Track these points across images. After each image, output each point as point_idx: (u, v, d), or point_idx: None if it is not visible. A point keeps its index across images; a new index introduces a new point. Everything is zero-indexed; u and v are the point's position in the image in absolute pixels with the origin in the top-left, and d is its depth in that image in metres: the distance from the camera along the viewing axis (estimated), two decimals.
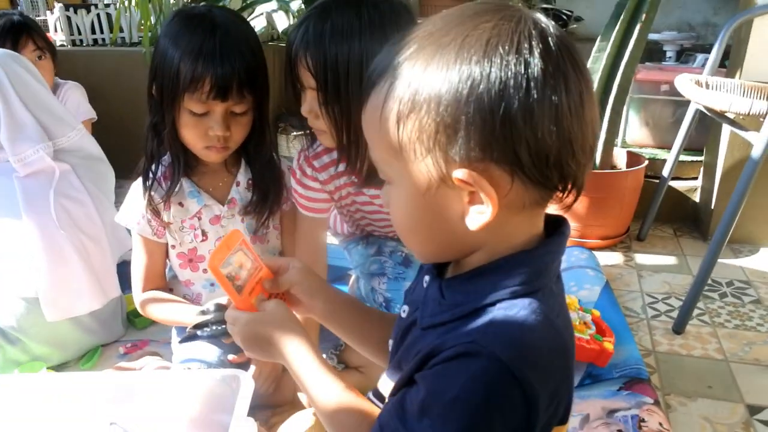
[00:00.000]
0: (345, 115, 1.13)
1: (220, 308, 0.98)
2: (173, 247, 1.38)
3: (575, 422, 1.32)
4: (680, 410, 1.40)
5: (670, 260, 2.18)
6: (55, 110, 1.60)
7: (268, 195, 1.36)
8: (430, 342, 0.62)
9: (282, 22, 3.04)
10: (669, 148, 2.33)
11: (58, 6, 3.23)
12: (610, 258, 2.19)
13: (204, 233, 1.36)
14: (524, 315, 0.59)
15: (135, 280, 1.40)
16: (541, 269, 0.63)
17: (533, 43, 0.56)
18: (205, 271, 1.39)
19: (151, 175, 1.31)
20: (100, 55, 3.16)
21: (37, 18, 3.71)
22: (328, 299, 0.90)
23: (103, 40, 3.32)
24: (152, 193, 1.31)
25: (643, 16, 2.13)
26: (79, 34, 3.26)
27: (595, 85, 2.21)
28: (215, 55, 1.17)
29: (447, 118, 0.56)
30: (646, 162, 2.28)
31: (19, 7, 4.08)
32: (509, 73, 0.55)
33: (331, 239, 1.56)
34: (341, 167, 1.31)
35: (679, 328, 1.71)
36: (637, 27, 2.14)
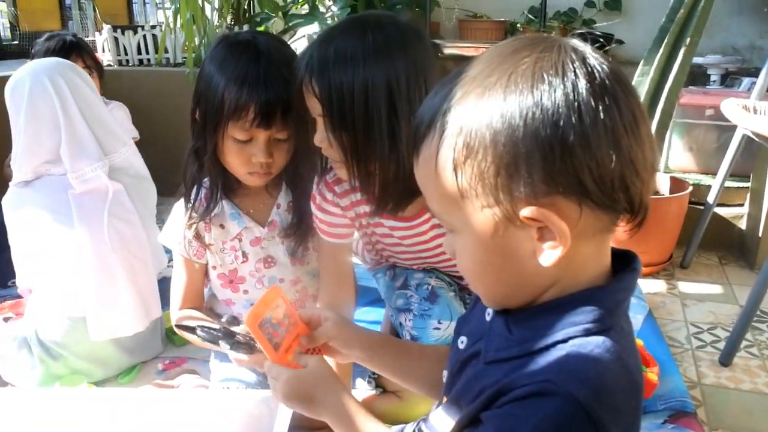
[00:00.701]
0: (354, 142, 1.10)
1: (233, 321, 1.07)
2: (214, 267, 1.39)
3: None
4: None
5: (716, 289, 2.12)
6: (110, 124, 1.61)
7: (307, 217, 1.35)
8: (497, 379, 0.61)
9: None
10: (714, 173, 2.28)
11: (106, 27, 3.32)
12: (653, 286, 2.14)
13: (245, 255, 1.37)
14: (599, 354, 0.58)
15: (173, 299, 1.41)
16: (614, 306, 0.62)
17: (576, 66, 0.56)
18: (245, 291, 1.40)
19: (191, 199, 1.32)
20: (145, 75, 3.23)
21: (86, 38, 3.83)
22: (365, 346, 0.92)
23: (149, 60, 3.39)
24: (193, 215, 1.32)
25: (688, 39, 2.10)
26: (126, 54, 3.35)
27: None
28: (259, 83, 1.17)
29: (506, 157, 0.56)
30: (690, 188, 2.23)
31: (69, 28, 4.21)
32: (559, 100, 0.55)
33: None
34: (360, 195, 1.31)
35: (726, 360, 1.65)
36: (681, 51, 2.11)
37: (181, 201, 1.35)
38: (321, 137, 1.13)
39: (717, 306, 1.98)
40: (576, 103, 0.55)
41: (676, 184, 2.31)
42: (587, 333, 0.59)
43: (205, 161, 1.28)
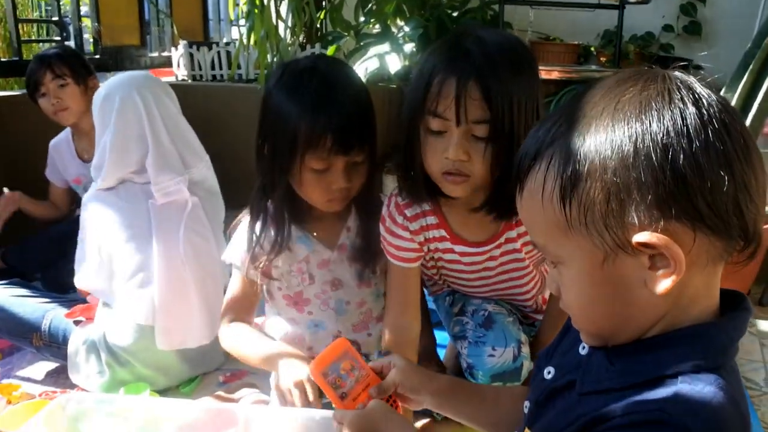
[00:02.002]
0: (500, 153, 1.09)
1: None
2: (279, 288, 1.38)
3: None
4: None
5: None
6: (190, 140, 1.66)
7: (376, 240, 1.34)
8: (594, 407, 0.60)
9: (394, 64, 3.09)
10: None
11: (182, 43, 3.43)
12: None
13: (311, 277, 1.35)
14: (712, 391, 0.56)
15: (225, 312, 1.39)
16: (726, 344, 0.60)
17: (683, 93, 0.56)
18: (310, 313, 1.39)
19: (257, 234, 1.30)
20: (218, 90, 3.32)
21: (163, 54, 3.97)
22: (435, 392, 0.92)
23: (222, 76, 3.49)
24: (259, 251, 1.30)
25: None
26: (200, 69, 3.45)
27: None
28: (334, 109, 1.16)
29: (616, 184, 0.56)
30: None
31: (148, 45, 4.38)
32: (668, 125, 0.55)
33: None
34: (431, 219, 1.28)
35: None
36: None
37: (247, 218, 1.34)
38: (462, 149, 1.09)
39: None
40: (685, 128, 0.55)
41: None
42: (698, 369, 0.57)
43: (275, 197, 1.26)
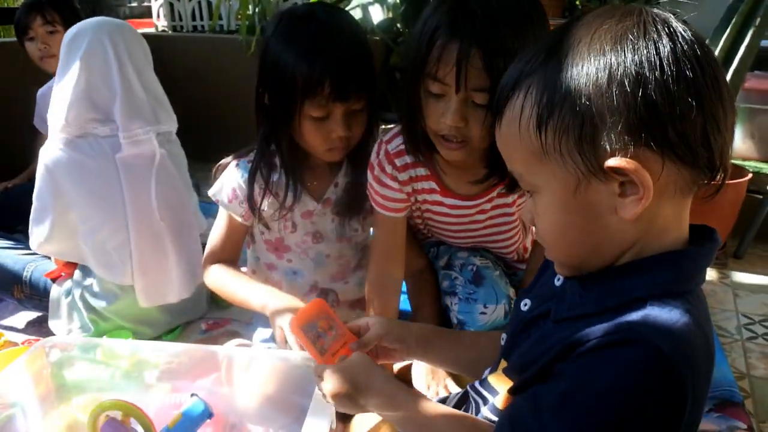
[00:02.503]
0: None
1: None
2: (262, 232, 1.39)
3: None
4: None
5: None
6: (160, 95, 1.59)
7: (362, 197, 1.34)
8: (569, 334, 0.62)
9: (377, 14, 3.05)
10: None
11: None
12: None
13: (294, 225, 1.36)
14: (679, 313, 0.58)
15: (209, 249, 1.40)
16: (694, 271, 0.63)
17: (659, 27, 0.58)
18: (289, 261, 1.40)
19: (268, 183, 1.30)
20: (200, 41, 3.26)
21: (143, 4, 3.88)
22: (420, 338, 0.95)
23: (203, 26, 3.42)
24: (268, 200, 1.31)
25: (758, 20, 2.01)
26: (181, 20, 3.38)
27: None
28: (332, 55, 1.14)
29: (591, 110, 0.58)
30: (750, 175, 2.14)
31: None
32: (642, 55, 0.57)
33: None
34: (421, 171, 1.28)
35: None
36: (750, 32, 2.02)
37: (237, 161, 1.34)
38: (460, 115, 1.06)
39: None
40: (658, 59, 0.57)
41: (735, 171, 2.22)
42: (666, 293, 0.60)
43: (282, 145, 1.26)
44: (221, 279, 1.36)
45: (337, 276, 1.44)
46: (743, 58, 2.04)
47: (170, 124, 1.59)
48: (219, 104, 2.83)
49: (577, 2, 3.09)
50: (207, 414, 1.04)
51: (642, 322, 0.58)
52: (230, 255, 1.40)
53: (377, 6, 2.94)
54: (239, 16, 3.14)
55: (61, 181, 1.46)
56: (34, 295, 1.64)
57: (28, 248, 1.69)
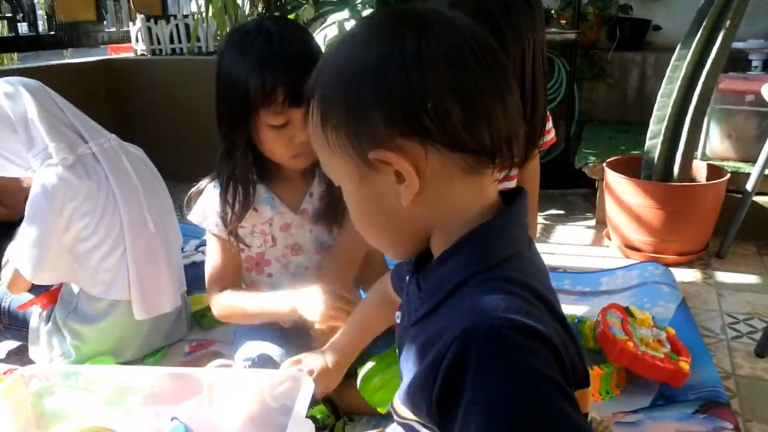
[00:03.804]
0: None
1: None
2: (242, 250, 1.38)
3: None
4: None
5: (753, 279, 2.06)
6: (87, 119, 1.64)
7: (337, 205, 1.33)
8: (421, 335, 0.65)
9: None
10: (753, 161, 2.22)
11: (140, 17, 3.36)
12: (687, 275, 2.09)
13: (273, 239, 1.36)
14: (496, 285, 0.61)
15: (212, 281, 1.38)
16: (504, 238, 0.65)
17: (411, 25, 0.62)
18: (270, 275, 1.40)
19: (229, 199, 1.30)
20: (178, 63, 3.27)
21: (121, 29, 3.89)
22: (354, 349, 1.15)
23: (181, 49, 3.43)
24: (231, 214, 1.30)
25: (727, 23, 2.04)
26: (159, 43, 3.38)
27: (674, 95, 2.13)
28: (283, 63, 1.16)
29: (348, 109, 0.63)
30: (728, 175, 2.17)
31: (105, 20, 4.28)
32: (385, 52, 0.61)
33: None
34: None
35: (762, 351, 1.60)
36: (720, 34, 2.05)
37: (214, 184, 1.34)
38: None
39: (754, 296, 1.93)
40: (401, 55, 0.60)
41: (713, 172, 2.25)
42: (482, 269, 0.62)
43: (238, 157, 1.26)
44: (231, 303, 1.35)
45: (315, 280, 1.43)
46: (716, 60, 2.07)
47: (113, 135, 1.65)
48: (200, 125, 2.82)
49: (552, 12, 3.12)
50: None
51: (462, 317, 0.59)
52: (233, 279, 1.39)
53: (353, 22, 2.96)
54: (217, 38, 3.15)
55: (60, 204, 1.47)
56: (13, 325, 1.63)
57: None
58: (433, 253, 0.69)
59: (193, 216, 1.38)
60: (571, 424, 0.56)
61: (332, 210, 1.35)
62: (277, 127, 1.20)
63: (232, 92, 1.19)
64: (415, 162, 0.61)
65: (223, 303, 1.36)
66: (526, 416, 0.54)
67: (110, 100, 3.25)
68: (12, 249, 1.56)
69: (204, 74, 3.07)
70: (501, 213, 0.66)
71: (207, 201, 1.35)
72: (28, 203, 1.49)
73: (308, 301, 1.21)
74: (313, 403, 1.13)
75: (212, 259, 1.38)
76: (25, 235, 1.48)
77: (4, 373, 1.53)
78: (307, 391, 1.01)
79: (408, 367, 0.67)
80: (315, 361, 1.13)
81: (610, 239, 2.37)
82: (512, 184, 1.36)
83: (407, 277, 0.74)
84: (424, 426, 0.68)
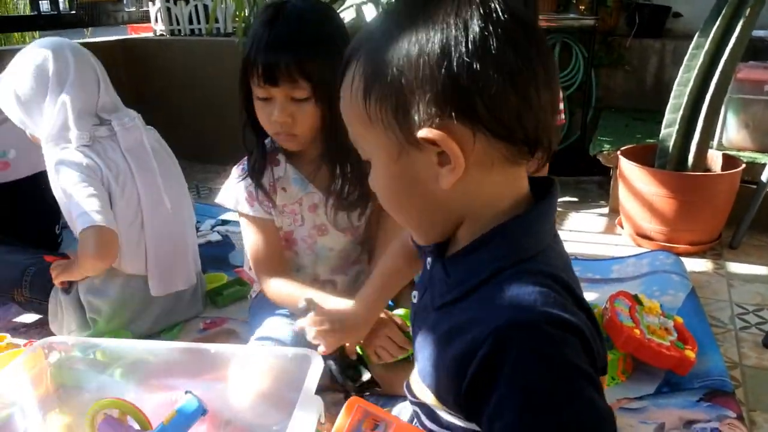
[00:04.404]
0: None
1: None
2: (279, 228, 1.41)
3: (650, 430, 1.28)
4: (766, 428, 1.32)
5: (765, 271, 2.05)
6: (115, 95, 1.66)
7: (354, 192, 1.34)
8: (449, 319, 0.65)
9: (371, 14, 3.07)
10: None
11: None
12: (698, 265, 2.09)
13: (302, 219, 1.39)
14: (530, 278, 0.61)
15: (257, 263, 1.38)
16: (536, 232, 0.65)
17: (473, 8, 0.60)
18: (296, 253, 1.43)
19: (252, 163, 1.35)
20: (196, 44, 3.29)
21: (140, 9, 3.90)
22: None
23: (200, 30, 3.44)
24: (258, 180, 1.34)
25: (748, 10, 2.01)
26: (178, 24, 3.40)
27: (691, 83, 2.12)
28: (268, 41, 1.20)
29: (403, 83, 0.61)
30: (744, 165, 2.16)
31: (125, 0, 4.30)
32: (450, 33, 0.59)
33: None
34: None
35: None
36: (740, 22, 2.03)
37: (238, 166, 1.39)
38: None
39: (765, 288, 1.92)
40: (466, 37, 0.59)
41: (729, 162, 2.24)
42: (516, 261, 0.63)
43: (247, 124, 1.31)
44: (286, 292, 1.34)
45: (336, 269, 1.47)
46: (734, 49, 2.05)
47: (135, 113, 1.66)
48: (217, 106, 2.85)
49: (607, 2, 3.08)
50: (201, 411, 1.06)
51: (498, 312, 0.60)
52: (279, 261, 1.40)
53: (371, 6, 2.96)
54: (236, 19, 3.16)
55: (86, 174, 1.51)
56: (34, 299, 1.67)
57: (26, 252, 1.73)
58: (459, 239, 0.69)
59: (225, 199, 1.41)
60: (600, 414, 0.58)
61: (354, 195, 1.35)
62: (262, 100, 1.25)
63: (243, 60, 1.25)
64: (462, 146, 0.60)
65: (277, 291, 1.36)
66: (559, 408, 0.57)
67: (130, 79, 3.28)
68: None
69: (222, 55, 3.09)
70: (534, 206, 0.66)
71: (235, 185, 1.38)
72: (58, 183, 1.51)
73: (351, 332, 1.17)
74: (347, 362, 1.18)
75: (251, 240, 1.39)
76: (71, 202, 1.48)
77: (24, 345, 1.58)
78: (317, 368, 1.04)
79: (427, 350, 0.68)
80: (340, 315, 1.16)
81: (622, 227, 2.37)
82: None
83: (427, 259, 0.74)
84: (442, 409, 0.70)
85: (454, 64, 0.58)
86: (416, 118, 0.61)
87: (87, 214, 1.44)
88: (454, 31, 0.59)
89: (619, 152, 2.32)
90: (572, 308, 0.61)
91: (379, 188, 0.70)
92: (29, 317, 1.80)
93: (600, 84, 3.24)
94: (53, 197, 1.54)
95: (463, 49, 0.58)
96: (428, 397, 0.72)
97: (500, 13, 0.60)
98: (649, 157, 2.26)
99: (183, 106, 3.21)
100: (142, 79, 3.28)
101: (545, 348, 0.58)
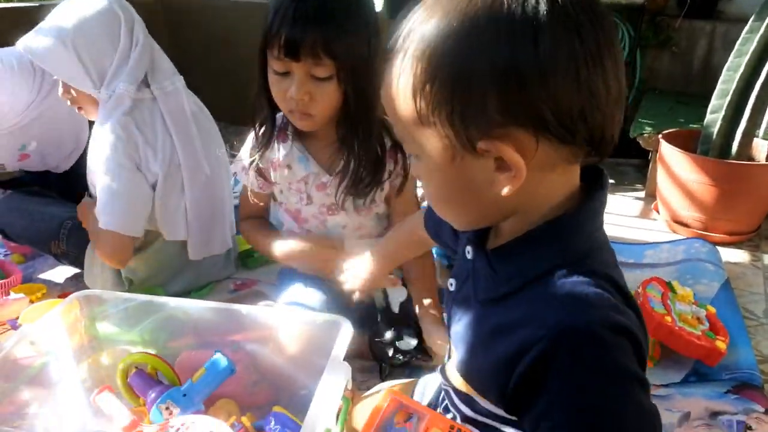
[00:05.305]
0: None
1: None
2: (281, 203, 1.41)
3: (674, 419, 1.27)
4: None
5: None
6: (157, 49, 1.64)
7: (366, 178, 1.29)
8: (495, 315, 0.64)
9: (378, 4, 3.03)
10: None
11: None
12: (735, 255, 2.05)
13: (309, 197, 1.35)
14: (584, 278, 0.59)
15: (242, 210, 1.47)
16: (589, 230, 0.63)
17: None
18: (308, 231, 1.41)
19: (257, 138, 1.33)
20: (236, 5, 3.27)
21: None
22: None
23: None
24: (261, 156, 1.33)
25: None
26: None
27: (742, 69, 2.05)
28: (293, 11, 1.10)
29: (457, 84, 0.55)
30: None
31: None
32: (515, 26, 0.53)
33: None
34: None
35: None
36: None
37: (252, 133, 1.36)
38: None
39: None
40: (533, 30, 0.53)
41: None
42: (568, 260, 0.61)
43: (259, 95, 1.26)
44: (254, 235, 1.45)
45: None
46: None
47: (179, 76, 1.64)
48: (247, 70, 2.85)
49: None
50: (229, 370, 1.08)
51: (554, 312, 0.58)
52: (258, 214, 1.48)
53: None
54: None
55: (124, 150, 1.50)
56: (71, 252, 1.70)
57: (64, 205, 1.76)
58: (503, 231, 0.67)
59: (233, 166, 1.43)
60: (648, 416, 0.59)
61: (365, 181, 1.30)
62: (278, 74, 1.17)
63: (263, 27, 1.17)
64: (524, 152, 0.56)
65: (251, 232, 1.47)
66: (610, 412, 0.57)
67: (167, 39, 3.28)
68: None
69: (252, 18, 3.07)
70: (585, 202, 0.63)
71: (246, 147, 1.39)
72: (96, 158, 1.52)
73: (357, 264, 1.19)
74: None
75: (245, 196, 1.44)
76: (104, 191, 1.49)
77: (60, 296, 1.62)
78: (346, 334, 1.04)
79: (473, 344, 0.67)
80: (360, 264, 1.18)
81: (658, 212, 2.33)
82: None
83: (467, 247, 0.72)
84: (481, 398, 0.70)
85: (525, 66, 0.53)
86: (477, 126, 0.56)
87: (112, 215, 1.48)
88: (521, 22, 0.53)
89: (660, 136, 2.26)
90: (624, 308, 0.60)
91: (427, 185, 0.66)
92: (65, 270, 1.84)
93: (645, 65, 3.16)
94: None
95: (533, 47, 0.53)
96: (465, 387, 0.72)
97: (574, 16, 0.54)
98: (691, 142, 2.21)
99: (220, 66, 3.21)
100: (179, 39, 3.29)
101: (599, 353, 0.57)
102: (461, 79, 0.55)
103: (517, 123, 0.55)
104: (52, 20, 1.49)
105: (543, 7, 0.53)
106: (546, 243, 0.62)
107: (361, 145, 1.26)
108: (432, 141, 0.59)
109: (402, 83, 0.59)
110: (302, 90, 1.15)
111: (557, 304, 0.59)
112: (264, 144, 1.31)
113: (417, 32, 0.58)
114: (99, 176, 1.49)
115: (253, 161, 1.34)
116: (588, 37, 0.54)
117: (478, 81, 0.54)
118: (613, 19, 0.58)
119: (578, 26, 0.54)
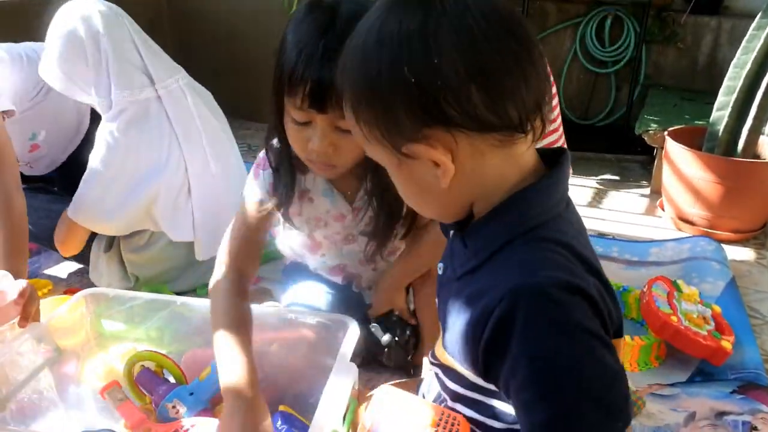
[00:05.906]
0: None
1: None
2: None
3: (679, 418, 1.27)
4: None
5: None
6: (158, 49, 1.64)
7: (384, 224, 1.22)
8: (469, 286, 0.68)
9: None
10: None
11: None
12: (741, 253, 2.04)
13: (326, 224, 1.28)
14: (538, 245, 0.65)
15: (228, 250, 1.19)
16: (544, 201, 0.67)
17: (416, 13, 0.62)
18: (323, 255, 1.36)
19: (275, 184, 1.18)
20: (243, 2, 3.26)
21: None
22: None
23: None
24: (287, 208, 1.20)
25: None
26: None
27: (749, 66, 2.04)
28: (320, 56, 0.93)
29: (372, 106, 0.65)
30: None
31: None
32: (395, 47, 0.62)
33: None
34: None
35: None
36: None
37: (256, 167, 1.22)
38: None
39: None
40: (410, 47, 0.61)
41: None
42: (526, 230, 0.66)
43: (274, 139, 1.14)
44: (219, 313, 1.11)
45: (364, 261, 1.35)
46: None
47: (182, 72, 1.65)
48: (264, 62, 2.84)
49: None
50: None
51: (505, 278, 0.63)
52: (249, 263, 1.21)
53: None
54: None
55: (122, 158, 1.52)
56: None
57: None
58: (476, 215, 0.72)
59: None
60: (608, 371, 0.62)
61: (379, 231, 1.23)
62: (298, 123, 1.01)
63: (276, 64, 1.02)
64: (447, 147, 0.63)
65: (214, 306, 1.12)
66: (569, 366, 0.60)
67: (173, 31, 3.28)
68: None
69: (268, 11, 3.07)
70: (542, 177, 0.68)
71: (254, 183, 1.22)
72: (93, 159, 1.53)
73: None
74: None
75: (238, 228, 1.22)
76: (91, 187, 1.53)
77: (64, 292, 1.62)
78: (353, 335, 1.05)
79: (451, 317, 0.72)
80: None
81: (663, 210, 2.33)
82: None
83: (450, 232, 0.77)
84: (467, 372, 0.73)
85: (405, 77, 0.61)
86: (397, 135, 0.64)
87: (77, 204, 1.54)
88: (398, 46, 0.62)
89: (666, 133, 2.26)
90: (581, 273, 0.64)
91: (397, 189, 0.74)
92: (69, 265, 1.84)
93: (650, 61, 3.15)
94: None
95: (410, 61, 0.61)
96: (452, 362, 0.75)
97: (444, 14, 0.61)
98: (697, 139, 2.20)
99: (227, 59, 3.20)
100: (186, 31, 3.29)
101: (552, 310, 0.60)
102: (374, 101, 0.64)
103: (427, 125, 0.62)
104: (47, 41, 1.54)
105: (416, 28, 0.61)
106: (505, 215, 0.67)
107: (383, 195, 1.17)
108: (380, 153, 0.69)
109: (347, 110, 0.69)
110: (325, 142, 1.01)
111: (513, 269, 0.64)
112: (284, 202, 1.18)
113: (346, 66, 0.68)
114: (88, 169, 1.53)
115: (285, 214, 1.22)
116: (494, 35, 0.61)
117: (384, 99, 0.63)
118: (502, 5, 0.64)
119: (482, 29, 0.61)
